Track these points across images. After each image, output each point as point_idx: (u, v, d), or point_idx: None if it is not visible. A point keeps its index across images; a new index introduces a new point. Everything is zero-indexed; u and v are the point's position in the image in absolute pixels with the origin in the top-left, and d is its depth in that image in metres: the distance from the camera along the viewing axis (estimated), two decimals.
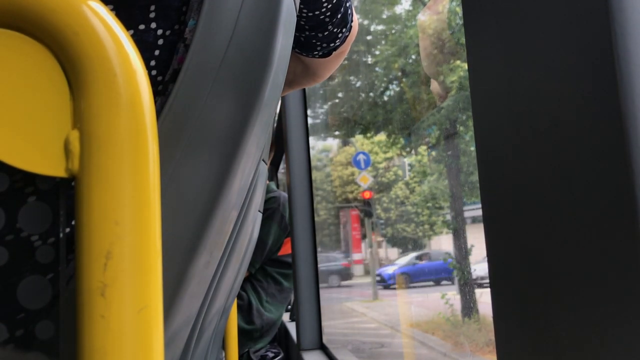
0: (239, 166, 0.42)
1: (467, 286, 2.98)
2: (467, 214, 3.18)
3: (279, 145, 2.51)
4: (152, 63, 0.39)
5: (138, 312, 0.22)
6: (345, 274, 8.89)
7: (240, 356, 1.91)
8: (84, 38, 0.23)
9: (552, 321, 0.29)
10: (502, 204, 0.34)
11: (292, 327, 2.20)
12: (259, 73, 0.42)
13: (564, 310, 0.29)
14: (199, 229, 0.40)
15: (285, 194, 2.05)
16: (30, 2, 0.23)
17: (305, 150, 1.91)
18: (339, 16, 0.65)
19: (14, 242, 0.34)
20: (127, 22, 0.38)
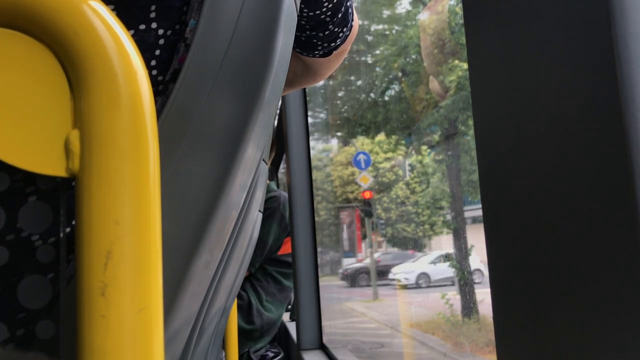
0: (239, 166, 0.42)
1: (467, 286, 2.98)
2: (467, 214, 3.17)
3: (279, 145, 2.51)
4: (153, 63, 0.39)
5: (138, 312, 0.22)
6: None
7: (240, 356, 1.91)
8: (84, 38, 0.23)
9: (552, 321, 0.29)
10: (502, 204, 0.34)
11: (292, 327, 2.20)
12: (260, 73, 0.42)
13: (564, 310, 0.29)
14: (199, 228, 0.40)
15: (285, 194, 2.05)
16: (31, 1, 0.23)
17: (305, 150, 1.91)
18: (340, 15, 0.65)
19: (14, 242, 0.34)
20: (128, 22, 0.38)
